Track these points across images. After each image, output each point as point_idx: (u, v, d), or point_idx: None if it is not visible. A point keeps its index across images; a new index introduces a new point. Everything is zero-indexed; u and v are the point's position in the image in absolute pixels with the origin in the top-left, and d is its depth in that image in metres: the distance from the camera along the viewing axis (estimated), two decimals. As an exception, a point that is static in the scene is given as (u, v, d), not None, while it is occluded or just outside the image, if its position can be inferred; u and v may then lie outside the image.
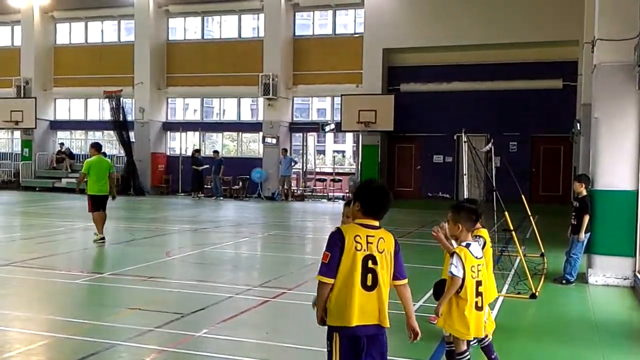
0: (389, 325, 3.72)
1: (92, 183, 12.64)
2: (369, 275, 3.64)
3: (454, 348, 4.99)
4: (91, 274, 9.24)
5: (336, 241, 3.63)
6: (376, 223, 3.75)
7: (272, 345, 5.96)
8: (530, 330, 7.10)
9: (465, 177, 8.58)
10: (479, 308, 4.84)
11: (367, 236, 3.67)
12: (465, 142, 8.52)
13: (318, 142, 30.87)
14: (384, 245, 3.72)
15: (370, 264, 3.65)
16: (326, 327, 3.74)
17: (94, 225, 12.64)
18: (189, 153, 27.26)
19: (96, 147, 13.46)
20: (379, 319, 3.69)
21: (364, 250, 3.64)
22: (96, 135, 30.71)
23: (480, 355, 5.87)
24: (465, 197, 8.94)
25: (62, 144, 30.20)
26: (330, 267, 3.62)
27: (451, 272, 4.69)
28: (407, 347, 5.79)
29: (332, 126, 25.76)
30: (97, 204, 12.60)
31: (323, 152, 40.87)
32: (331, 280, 3.63)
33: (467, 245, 4.83)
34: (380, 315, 3.69)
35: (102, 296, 8.13)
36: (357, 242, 3.64)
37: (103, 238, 12.33)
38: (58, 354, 5.76)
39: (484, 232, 5.58)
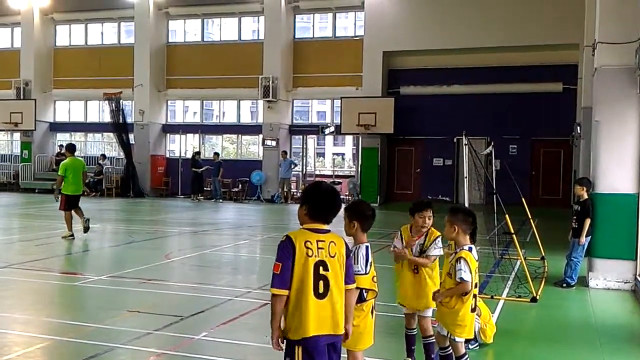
0: (343, 332, 3.62)
1: (69, 184, 13.20)
2: (321, 282, 3.48)
3: (449, 352, 4.97)
4: (90, 276, 9.19)
5: (288, 250, 3.45)
6: (326, 227, 3.60)
7: (270, 348, 5.90)
8: (531, 334, 7.06)
9: (466, 180, 8.55)
10: (472, 310, 4.87)
11: (318, 241, 3.51)
12: (465, 144, 8.49)
13: (318, 144, 30.85)
14: (335, 249, 3.56)
15: (321, 271, 3.48)
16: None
17: (93, 227, 12.73)
18: (189, 155, 27.25)
19: (70, 149, 13.95)
20: (333, 327, 3.54)
21: (315, 256, 3.48)
22: (96, 137, 30.74)
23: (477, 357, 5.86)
24: (465, 199, 8.93)
25: (61, 146, 30.12)
26: (283, 278, 3.43)
27: (462, 278, 4.67)
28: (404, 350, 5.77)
29: (332, 129, 25.75)
30: (71, 204, 13.17)
31: (323, 154, 40.90)
32: (286, 292, 3.44)
33: (470, 249, 4.82)
34: (333, 323, 3.54)
35: (101, 299, 8.09)
36: (308, 247, 3.46)
37: (72, 235, 12.91)
38: (57, 356, 5.73)
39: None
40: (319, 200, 3.59)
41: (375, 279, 4.31)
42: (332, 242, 3.55)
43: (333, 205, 3.62)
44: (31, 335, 6.25)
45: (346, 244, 3.68)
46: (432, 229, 5.29)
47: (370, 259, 4.26)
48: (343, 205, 4.12)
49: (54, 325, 6.64)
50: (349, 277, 3.67)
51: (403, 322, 5.51)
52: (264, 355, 5.78)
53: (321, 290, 3.47)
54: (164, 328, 6.43)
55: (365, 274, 4.21)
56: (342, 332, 3.61)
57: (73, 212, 13.15)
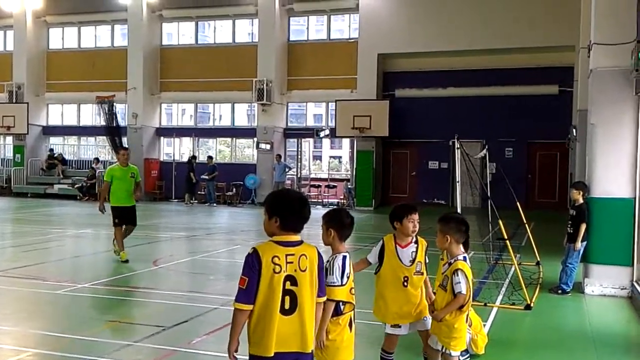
0: (311, 350, 3.43)
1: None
2: (287, 298, 3.31)
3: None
4: (74, 284, 8.95)
5: (253, 264, 3.28)
6: (297, 238, 3.41)
7: None
8: (525, 342, 6.87)
9: (458, 185, 8.35)
10: (467, 319, 4.68)
11: (287, 255, 3.32)
12: (457, 148, 8.30)
13: (315, 147, 30.63)
14: (306, 263, 3.36)
15: (288, 286, 3.30)
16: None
17: (86, 232, 12.37)
18: (183, 159, 27.04)
19: None
20: (301, 344, 3.36)
21: (284, 271, 3.30)
22: (89, 141, 30.50)
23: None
24: (458, 204, 8.74)
25: (51, 150, 29.87)
26: (248, 292, 3.28)
27: (460, 292, 4.47)
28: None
29: (327, 132, 25.55)
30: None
31: (320, 157, 40.67)
32: (249, 307, 3.29)
33: (464, 259, 4.63)
34: (302, 340, 3.35)
35: (83, 308, 7.85)
36: (275, 263, 3.28)
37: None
38: (31, 370, 5.52)
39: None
40: (288, 211, 3.39)
41: (353, 290, 4.08)
42: (303, 255, 3.36)
43: (303, 214, 3.43)
44: (7, 347, 6.03)
45: (320, 256, 3.47)
46: (422, 239, 4.92)
47: (347, 270, 4.02)
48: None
49: (32, 337, 6.43)
50: (321, 289, 3.50)
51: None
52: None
53: (287, 306, 3.32)
54: (144, 339, 6.21)
55: (341, 285, 3.97)
56: (311, 349, 3.42)
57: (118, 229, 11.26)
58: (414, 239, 4.87)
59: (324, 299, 3.58)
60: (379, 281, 4.87)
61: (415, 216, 4.82)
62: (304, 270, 3.36)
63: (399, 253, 4.81)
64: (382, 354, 5.03)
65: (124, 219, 11.13)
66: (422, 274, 4.84)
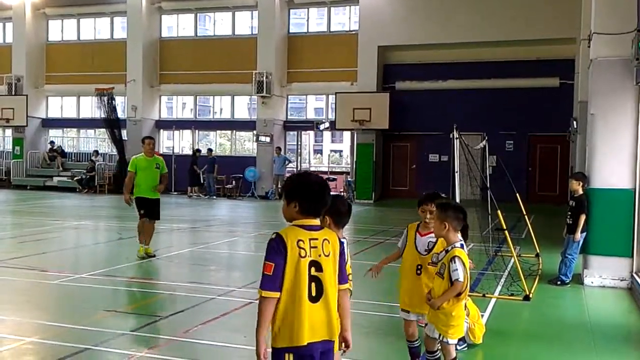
0: (338, 338, 3.33)
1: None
2: (313, 285, 3.15)
3: (437, 357, 4.72)
4: (70, 275, 8.91)
5: (279, 248, 3.12)
6: (318, 222, 3.30)
7: (250, 350, 5.65)
8: (523, 333, 6.83)
9: (457, 175, 8.30)
10: (464, 308, 4.65)
11: (310, 239, 3.18)
12: (456, 138, 8.24)
13: (316, 141, 30.52)
14: (329, 248, 3.23)
15: (313, 272, 3.15)
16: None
17: (85, 224, 12.33)
18: (182, 152, 26.96)
19: None
20: (328, 332, 3.23)
21: (308, 256, 3.15)
22: (88, 133, 30.44)
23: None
24: (458, 195, 8.69)
25: (52, 142, 29.85)
26: (274, 279, 3.10)
27: (458, 279, 4.42)
28: (393, 351, 5.54)
29: (327, 124, 25.47)
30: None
31: (320, 151, 40.61)
32: (277, 294, 3.12)
33: (462, 246, 4.58)
34: (329, 327, 3.23)
35: (79, 298, 7.81)
36: (300, 247, 3.12)
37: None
38: (25, 359, 5.46)
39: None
40: (309, 194, 3.25)
41: (350, 276, 4.05)
42: (325, 239, 3.25)
43: (325, 198, 3.30)
44: (4, 336, 5.98)
45: (340, 241, 3.40)
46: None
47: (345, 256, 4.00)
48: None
49: (27, 326, 6.39)
50: (343, 276, 3.38)
51: (387, 320, 5.17)
52: (241, 357, 5.54)
53: (314, 293, 3.18)
54: (139, 329, 6.18)
55: None
56: (337, 337, 3.31)
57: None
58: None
59: (346, 286, 3.43)
60: (400, 267, 4.95)
61: (429, 207, 4.84)
62: (328, 256, 3.24)
63: (416, 241, 4.87)
64: (407, 343, 5.09)
65: (149, 210, 10.57)
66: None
